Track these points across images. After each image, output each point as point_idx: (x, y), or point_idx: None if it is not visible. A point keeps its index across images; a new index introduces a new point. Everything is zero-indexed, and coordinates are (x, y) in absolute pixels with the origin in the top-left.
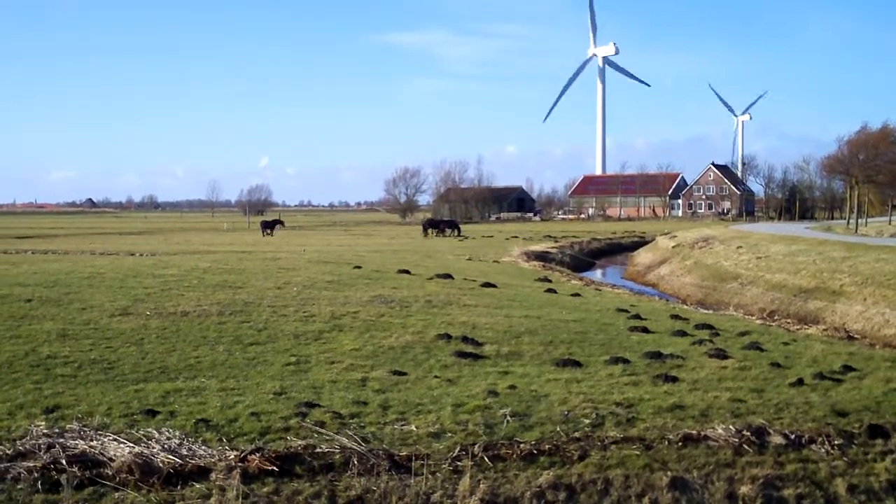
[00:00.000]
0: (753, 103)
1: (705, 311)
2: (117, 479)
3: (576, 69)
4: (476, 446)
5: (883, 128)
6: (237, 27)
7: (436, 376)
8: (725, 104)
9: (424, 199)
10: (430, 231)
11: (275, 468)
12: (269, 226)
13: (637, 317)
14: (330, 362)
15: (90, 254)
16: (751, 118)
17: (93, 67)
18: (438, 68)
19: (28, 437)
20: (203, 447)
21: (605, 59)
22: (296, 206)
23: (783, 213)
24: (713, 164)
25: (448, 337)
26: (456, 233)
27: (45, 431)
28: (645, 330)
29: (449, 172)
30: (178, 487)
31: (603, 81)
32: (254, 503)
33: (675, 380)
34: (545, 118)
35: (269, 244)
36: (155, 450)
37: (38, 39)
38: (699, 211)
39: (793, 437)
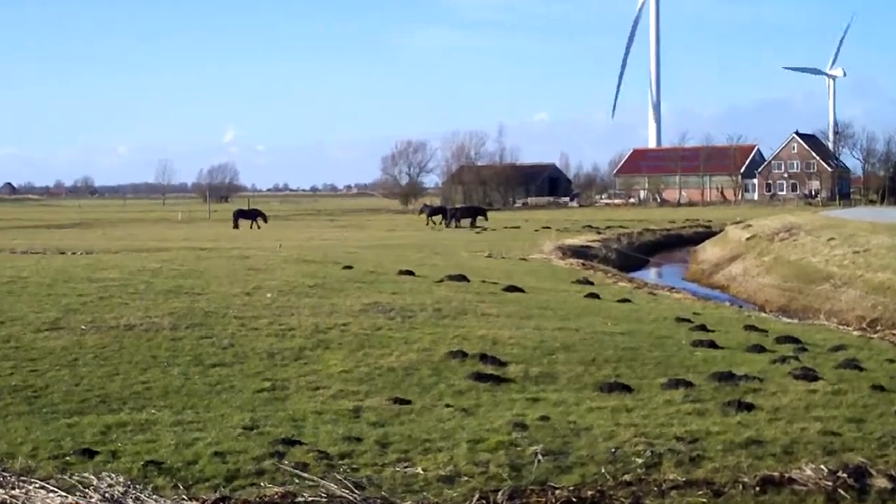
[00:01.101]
0: (842, 41)
1: (788, 321)
2: None
3: (632, 23)
4: (499, 493)
5: None
6: None
7: (447, 405)
8: (810, 70)
9: (431, 180)
10: (433, 219)
11: None
12: (245, 216)
13: (702, 328)
14: (313, 388)
15: (9, 252)
16: (844, 74)
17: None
18: (448, 14)
19: None
20: (154, 496)
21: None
22: (269, 190)
23: (886, 196)
24: (797, 133)
25: (462, 355)
26: (478, 220)
27: None
28: (712, 345)
29: (462, 147)
30: None
31: (657, 34)
32: None
33: (750, 407)
34: (613, 111)
35: (236, 239)
36: (93, 500)
37: None
38: (779, 193)
39: None
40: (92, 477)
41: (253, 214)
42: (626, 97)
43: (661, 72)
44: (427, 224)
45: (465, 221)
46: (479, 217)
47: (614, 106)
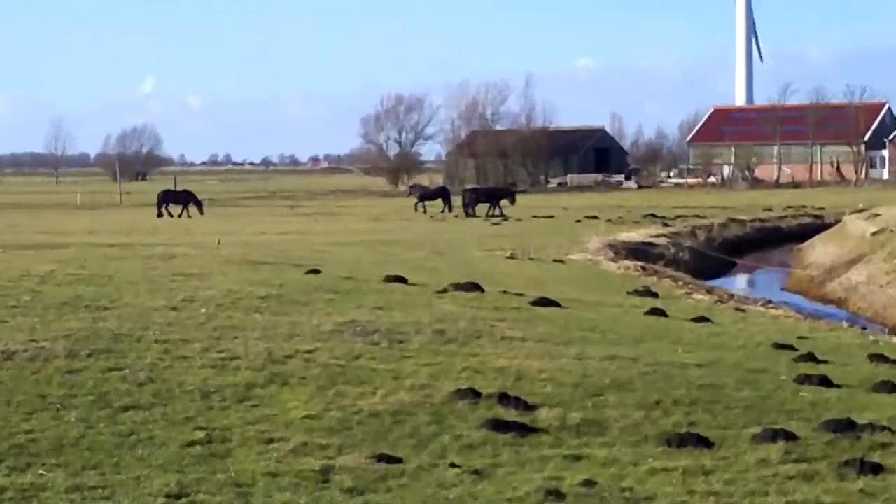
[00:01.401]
0: None
1: None
2: None
3: None
4: None
5: None
6: None
7: (453, 465)
8: None
9: (432, 150)
10: (423, 205)
11: None
12: (175, 200)
13: (810, 358)
14: (265, 440)
15: None
16: None
17: None
18: None
19: None
20: None
21: None
22: (204, 163)
23: None
24: None
25: (474, 395)
26: (500, 205)
27: None
28: (824, 381)
29: (474, 104)
30: None
31: None
32: None
33: (877, 469)
34: (760, 55)
35: (158, 232)
36: None
37: None
38: None
39: None
40: None
41: (185, 198)
42: (703, 35)
43: (754, 3)
44: (416, 211)
45: (479, 209)
46: (505, 201)
47: (757, 44)
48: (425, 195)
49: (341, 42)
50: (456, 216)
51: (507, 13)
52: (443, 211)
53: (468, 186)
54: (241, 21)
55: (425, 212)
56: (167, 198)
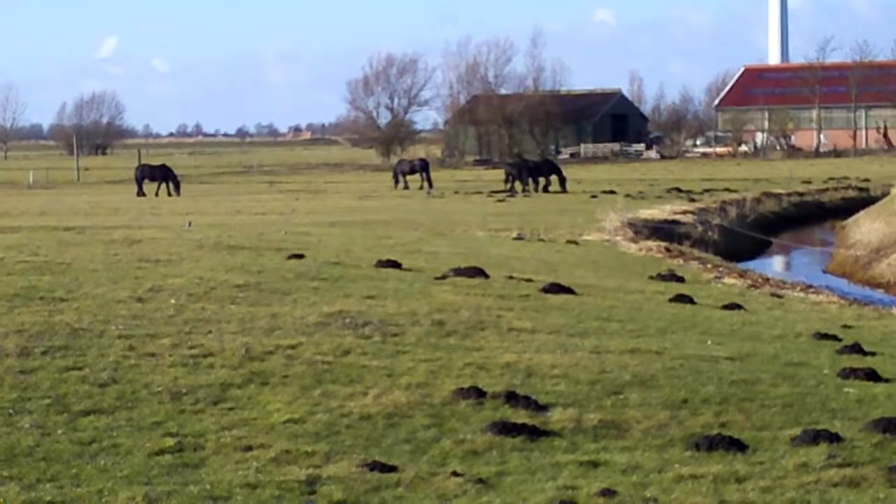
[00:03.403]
0: None
1: None
2: None
3: None
4: None
5: None
6: None
7: (455, 473)
8: None
9: (427, 118)
10: (403, 180)
11: None
12: (151, 176)
13: (855, 349)
14: (243, 448)
15: None
16: None
17: None
18: None
19: None
20: None
21: None
22: (172, 135)
23: None
24: None
25: (479, 394)
26: (559, 185)
27: None
28: (871, 376)
29: (475, 66)
30: None
31: None
32: None
33: None
34: None
35: (120, 213)
36: None
37: None
38: None
39: None
40: None
41: (162, 174)
42: None
43: None
44: (396, 188)
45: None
46: (543, 178)
47: None
48: (402, 169)
49: None
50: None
51: None
52: (421, 187)
53: (509, 161)
54: None
55: (406, 187)
56: (145, 174)
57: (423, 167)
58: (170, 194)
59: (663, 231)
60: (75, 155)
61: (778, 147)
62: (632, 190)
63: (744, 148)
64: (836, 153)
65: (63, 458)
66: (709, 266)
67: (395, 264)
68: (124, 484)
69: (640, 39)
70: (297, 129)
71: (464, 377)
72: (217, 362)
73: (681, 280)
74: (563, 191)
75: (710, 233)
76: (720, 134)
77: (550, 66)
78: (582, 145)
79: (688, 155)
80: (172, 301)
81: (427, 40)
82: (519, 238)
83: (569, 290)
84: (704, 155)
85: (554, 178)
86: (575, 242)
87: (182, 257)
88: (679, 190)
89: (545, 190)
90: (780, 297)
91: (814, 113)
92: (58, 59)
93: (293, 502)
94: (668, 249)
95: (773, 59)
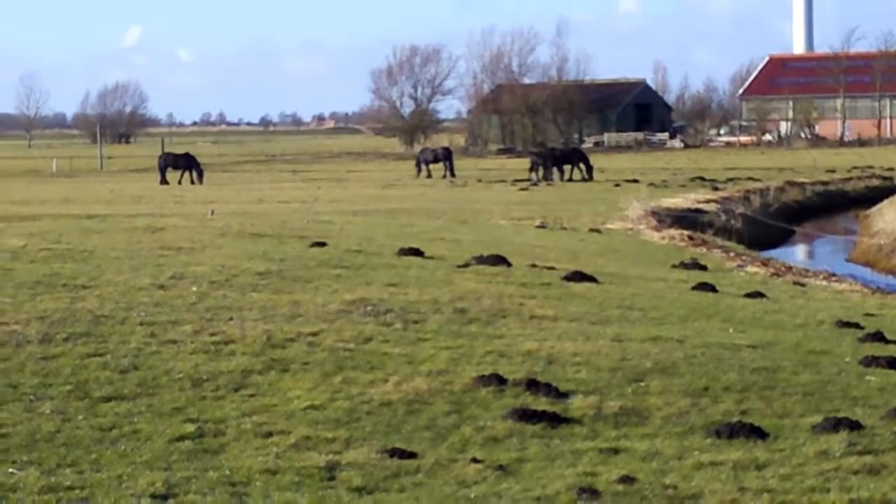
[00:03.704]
0: None
1: None
2: None
3: None
4: None
5: None
6: None
7: (475, 460)
8: None
9: (451, 107)
10: (426, 168)
11: None
12: (174, 164)
13: (878, 338)
14: (264, 434)
15: None
16: None
17: None
18: None
19: None
20: None
21: None
22: (195, 123)
23: None
24: None
25: (499, 381)
26: (586, 173)
27: None
28: (893, 364)
29: (499, 55)
30: None
31: None
32: None
33: None
34: None
35: (143, 201)
36: None
37: None
38: None
39: None
40: None
41: (185, 162)
42: None
43: None
44: (418, 177)
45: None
46: (572, 166)
47: None
48: (426, 158)
49: None
50: (545, 180)
51: None
52: (444, 175)
53: (535, 150)
54: None
55: (429, 175)
56: (168, 162)
57: (446, 156)
58: (192, 182)
59: (686, 220)
60: (98, 143)
61: (802, 136)
62: (655, 179)
63: (768, 137)
64: (861, 142)
65: (83, 443)
66: (731, 255)
67: (417, 252)
68: (144, 469)
69: (664, 29)
70: (320, 118)
71: (485, 364)
72: (238, 349)
73: (703, 268)
74: (590, 179)
75: (733, 221)
76: (744, 123)
77: (574, 55)
78: (605, 134)
79: (711, 144)
80: (194, 288)
81: (451, 30)
82: (541, 226)
83: (591, 279)
84: (728, 144)
85: (581, 166)
86: (598, 231)
87: (204, 245)
88: (702, 179)
89: (570, 179)
90: (802, 285)
91: (838, 102)
92: (82, 48)
93: (313, 488)
94: (690, 238)
95: (798, 48)
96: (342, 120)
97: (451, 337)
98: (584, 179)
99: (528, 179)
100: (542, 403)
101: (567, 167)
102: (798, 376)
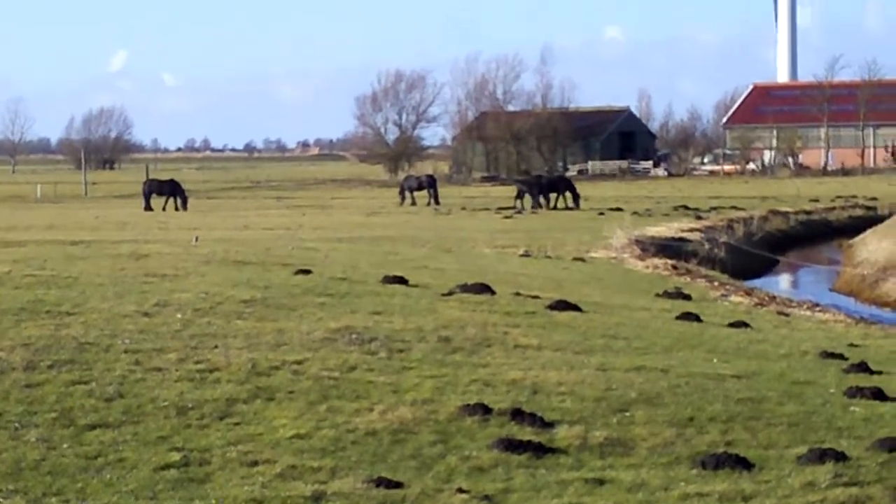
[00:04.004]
0: None
1: None
2: None
3: None
4: None
5: None
6: None
7: (461, 490)
8: None
9: (435, 134)
10: (411, 196)
11: None
12: (159, 190)
13: (862, 368)
14: (248, 463)
15: None
16: None
17: None
18: None
19: None
20: None
21: None
22: (180, 149)
23: None
24: None
25: (485, 411)
26: (572, 201)
27: None
28: (878, 395)
29: (484, 82)
30: None
31: None
32: None
33: None
34: (775, 17)
35: (127, 227)
36: None
37: None
38: None
39: None
40: None
41: (170, 189)
42: (740, 2)
43: None
44: (402, 204)
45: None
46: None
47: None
48: (410, 185)
49: (334, 11)
50: (533, 208)
51: None
52: (428, 203)
53: (521, 178)
54: None
55: (414, 203)
56: (153, 188)
57: (430, 183)
58: (177, 209)
59: (670, 249)
60: (83, 169)
61: (785, 165)
62: (639, 207)
63: (751, 166)
64: (844, 171)
65: (69, 471)
66: (716, 284)
67: (401, 280)
68: (130, 498)
69: (649, 57)
70: (304, 145)
71: (469, 393)
72: (223, 377)
73: (687, 298)
74: (576, 208)
75: (717, 251)
76: (728, 152)
77: (559, 83)
78: (590, 162)
79: (695, 172)
80: (179, 316)
81: (436, 56)
82: (526, 255)
83: (575, 308)
84: (712, 173)
85: (567, 195)
86: (582, 259)
87: (189, 272)
88: (686, 207)
89: (554, 207)
90: (786, 315)
91: (822, 131)
92: (67, 73)
93: None
94: (674, 267)
95: (782, 76)
96: (326, 146)
97: (435, 366)
98: (567, 208)
99: (514, 207)
100: (527, 433)
101: (553, 195)
102: (783, 407)
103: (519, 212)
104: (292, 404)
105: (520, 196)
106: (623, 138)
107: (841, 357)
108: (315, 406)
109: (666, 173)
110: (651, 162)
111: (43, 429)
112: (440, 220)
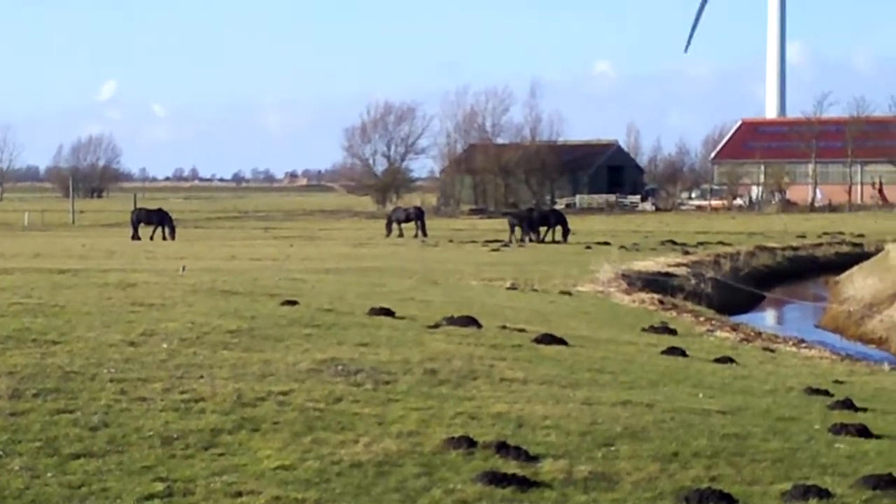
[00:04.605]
0: None
1: None
2: None
3: None
4: None
5: None
6: None
7: None
8: None
9: (424, 166)
10: (399, 228)
11: None
12: (147, 220)
13: (847, 405)
14: (233, 494)
15: None
16: None
17: None
18: None
19: None
20: None
21: None
22: (168, 178)
23: None
24: None
25: (469, 444)
26: (562, 235)
27: None
28: (863, 432)
29: (473, 114)
30: None
31: None
32: None
33: None
34: (687, 46)
35: (114, 256)
36: None
37: None
38: None
39: None
40: None
41: (158, 218)
42: (732, 34)
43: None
44: (388, 236)
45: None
46: (547, 228)
47: (689, 40)
48: (398, 217)
49: (323, 42)
50: (525, 240)
51: (512, 11)
52: (416, 235)
53: (512, 210)
54: (213, 19)
55: (401, 235)
56: (141, 217)
57: (418, 215)
58: (164, 238)
59: (657, 283)
60: (71, 197)
61: (773, 201)
62: (626, 241)
63: (739, 201)
64: (832, 208)
65: (53, 500)
66: (702, 319)
67: (388, 312)
68: None
69: (638, 91)
70: (293, 175)
71: (455, 426)
72: (208, 407)
73: (673, 333)
74: (564, 241)
75: (703, 286)
76: (716, 187)
77: (548, 116)
78: (577, 196)
79: (683, 207)
80: (165, 345)
81: (426, 88)
82: (512, 288)
83: (561, 341)
84: (699, 208)
85: (558, 228)
86: (568, 293)
87: (175, 302)
88: (673, 242)
89: (542, 241)
90: (772, 351)
91: (810, 167)
92: (57, 101)
93: None
94: (661, 302)
95: (771, 112)
96: (315, 177)
97: (421, 398)
98: (555, 241)
99: (507, 241)
100: (511, 467)
101: (543, 229)
102: (767, 443)
103: (506, 244)
104: (277, 435)
105: (512, 229)
106: (611, 172)
107: (826, 393)
108: (300, 437)
109: (653, 208)
110: (639, 196)
111: (27, 457)
112: (427, 252)
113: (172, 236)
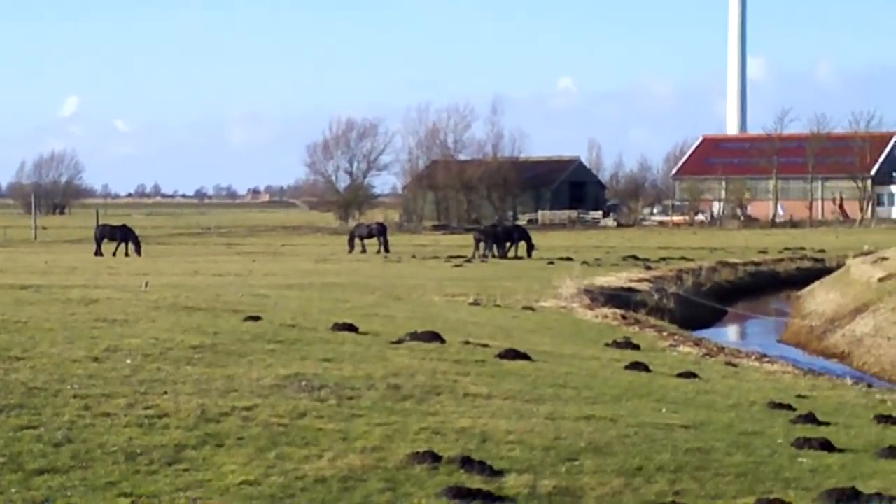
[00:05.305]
0: None
1: None
2: None
3: None
4: None
5: None
6: None
7: None
8: None
9: (386, 182)
10: (362, 244)
11: None
12: (111, 236)
13: (809, 419)
14: None
15: None
16: None
17: None
18: None
19: None
20: None
21: None
22: (130, 195)
23: None
24: None
25: (433, 459)
26: (526, 251)
27: None
28: (825, 446)
29: (435, 131)
30: None
31: None
32: None
33: None
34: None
35: (77, 272)
36: None
37: None
38: None
39: None
40: None
41: (122, 234)
42: (694, 51)
43: (749, 16)
44: (351, 251)
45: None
46: (513, 243)
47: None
48: (360, 233)
49: (285, 58)
50: (492, 256)
51: (474, 27)
52: (378, 251)
53: (480, 226)
54: (176, 35)
55: (364, 250)
56: (105, 233)
57: (380, 231)
58: (127, 255)
59: (619, 298)
60: (33, 214)
61: (734, 216)
62: (588, 257)
63: (700, 217)
64: (793, 223)
65: None
66: (664, 334)
67: (351, 328)
68: None
69: (600, 107)
70: (255, 192)
71: (419, 441)
72: (172, 423)
73: (636, 348)
74: (529, 257)
75: (665, 301)
76: (677, 203)
77: (510, 132)
78: (540, 212)
79: (645, 223)
80: (128, 361)
81: (388, 105)
82: (475, 303)
83: (525, 356)
84: (661, 223)
85: (521, 244)
86: (531, 309)
87: (138, 317)
88: (636, 258)
89: (505, 256)
90: (734, 366)
91: (771, 183)
92: (19, 117)
93: None
94: (623, 317)
95: (732, 128)
96: (277, 193)
97: (385, 413)
98: (517, 257)
99: (470, 256)
100: (476, 481)
101: (507, 244)
102: (731, 457)
103: (469, 260)
104: (241, 451)
105: (477, 245)
106: (573, 188)
107: (789, 408)
108: (264, 453)
109: (615, 223)
110: (601, 212)
111: None
112: (390, 267)
113: (138, 252)
